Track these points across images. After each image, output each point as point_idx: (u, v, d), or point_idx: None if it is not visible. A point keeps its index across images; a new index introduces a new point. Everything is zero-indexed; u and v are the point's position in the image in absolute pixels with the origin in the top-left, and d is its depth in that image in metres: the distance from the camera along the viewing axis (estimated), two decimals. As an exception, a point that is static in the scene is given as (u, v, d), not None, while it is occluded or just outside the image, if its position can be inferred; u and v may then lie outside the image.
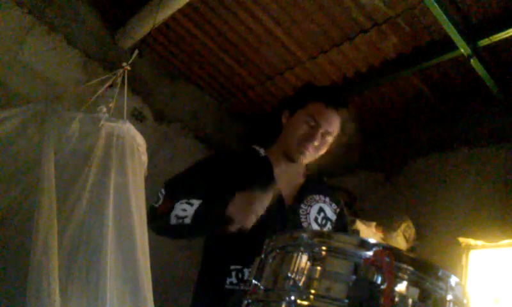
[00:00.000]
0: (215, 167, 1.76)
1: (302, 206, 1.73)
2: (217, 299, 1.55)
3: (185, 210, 1.59)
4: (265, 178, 1.73)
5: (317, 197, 1.77)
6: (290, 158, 1.76)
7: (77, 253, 2.06)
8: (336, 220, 1.79)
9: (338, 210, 1.81)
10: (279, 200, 1.67)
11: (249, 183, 1.66)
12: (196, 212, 1.57)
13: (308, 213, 1.72)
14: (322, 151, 1.75)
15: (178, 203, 1.61)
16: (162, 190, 1.72)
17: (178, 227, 1.60)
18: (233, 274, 1.56)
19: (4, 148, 2.23)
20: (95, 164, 2.23)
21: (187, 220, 1.57)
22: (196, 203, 1.59)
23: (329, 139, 1.73)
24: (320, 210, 1.75)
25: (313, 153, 1.74)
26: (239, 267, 1.56)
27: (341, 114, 1.72)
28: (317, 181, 1.84)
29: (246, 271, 1.52)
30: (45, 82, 3.60)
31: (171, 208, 1.61)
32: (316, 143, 1.70)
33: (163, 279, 3.68)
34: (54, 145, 2.17)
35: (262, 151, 1.82)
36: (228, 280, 1.57)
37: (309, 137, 1.70)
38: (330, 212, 1.78)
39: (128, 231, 2.18)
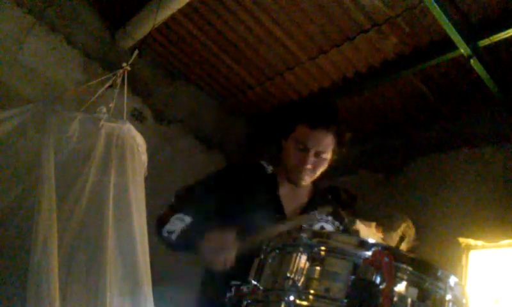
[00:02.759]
0: (222, 182, 1.79)
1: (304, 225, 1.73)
2: None
3: (176, 225, 1.62)
4: (270, 196, 1.75)
5: (319, 216, 1.77)
6: (292, 183, 1.77)
7: (77, 253, 2.07)
8: None
9: (341, 227, 1.82)
10: (282, 219, 1.69)
11: (254, 200, 1.69)
12: (182, 231, 1.60)
13: None
14: (321, 168, 1.75)
15: (174, 217, 1.65)
16: (172, 199, 1.75)
17: (168, 241, 1.64)
18: (233, 289, 1.58)
19: (4, 148, 2.23)
20: (95, 164, 2.23)
21: (173, 237, 1.60)
22: (187, 220, 1.62)
23: (325, 156, 1.72)
24: (321, 229, 1.75)
25: (311, 174, 1.74)
26: (238, 283, 1.57)
27: (331, 130, 1.69)
28: (322, 198, 1.84)
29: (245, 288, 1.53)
30: (45, 82, 3.60)
31: (168, 221, 1.65)
32: (309, 166, 1.70)
33: (163, 279, 3.68)
34: (54, 145, 2.17)
35: (269, 169, 1.84)
36: (228, 295, 1.59)
37: (301, 163, 1.70)
38: (332, 229, 1.78)
39: (128, 231, 2.19)
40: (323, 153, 1.70)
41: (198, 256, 1.54)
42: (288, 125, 1.77)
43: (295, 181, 1.75)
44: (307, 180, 1.74)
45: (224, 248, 1.48)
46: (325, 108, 1.77)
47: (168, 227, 1.63)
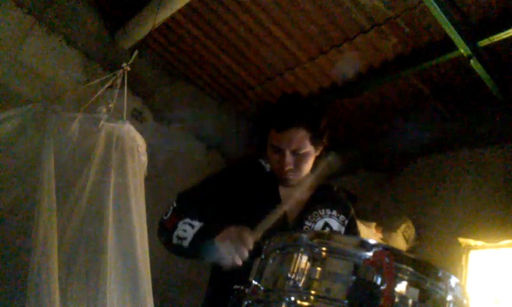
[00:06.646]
0: (222, 184, 1.76)
1: (306, 223, 1.70)
2: None
3: (186, 231, 1.58)
4: (271, 195, 1.72)
5: (322, 211, 1.73)
6: (282, 185, 1.75)
7: (77, 253, 2.07)
8: (345, 232, 1.74)
9: (346, 221, 1.77)
10: (283, 219, 1.64)
11: (255, 199, 1.67)
12: (194, 236, 1.56)
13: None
14: (306, 164, 1.70)
15: (181, 222, 1.61)
16: (174, 204, 1.71)
17: (178, 247, 1.59)
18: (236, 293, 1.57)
19: (4, 148, 2.23)
20: (95, 164, 2.23)
21: (185, 243, 1.56)
22: (197, 226, 1.58)
23: (303, 151, 1.66)
24: (326, 225, 1.72)
25: (295, 173, 1.69)
26: (241, 287, 1.56)
27: (298, 126, 1.62)
28: (326, 193, 1.79)
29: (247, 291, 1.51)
30: (45, 83, 3.60)
31: (175, 227, 1.61)
32: (289, 167, 1.66)
33: (163, 279, 3.68)
34: (54, 145, 2.17)
35: (267, 167, 1.80)
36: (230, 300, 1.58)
37: (280, 166, 1.67)
38: (337, 224, 1.74)
39: (128, 231, 2.19)
40: (300, 150, 1.65)
41: (213, 257, 1.48)
42: (263, 132, 1.74)
43: (284, 184, 1.73)
44: (293, 179, 1.70)
45: (243, 241, 1.43)
46: (287, 106, 1.70)
47: (178, 233, 1.58)
